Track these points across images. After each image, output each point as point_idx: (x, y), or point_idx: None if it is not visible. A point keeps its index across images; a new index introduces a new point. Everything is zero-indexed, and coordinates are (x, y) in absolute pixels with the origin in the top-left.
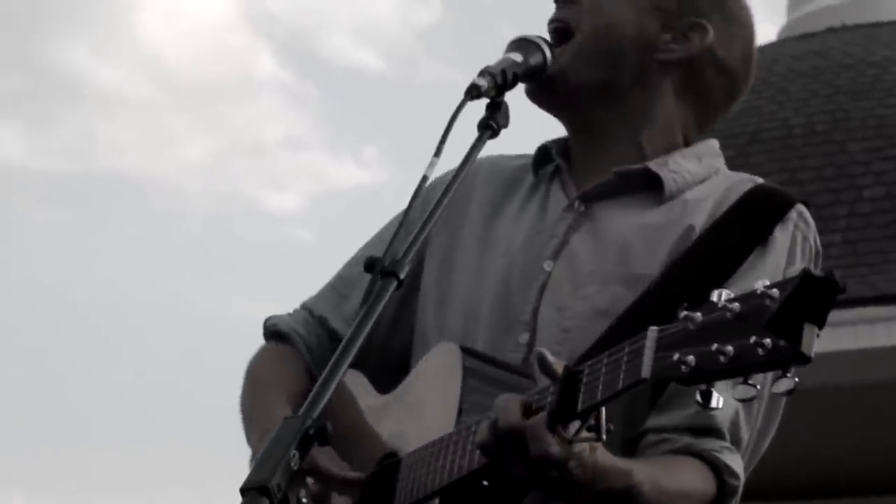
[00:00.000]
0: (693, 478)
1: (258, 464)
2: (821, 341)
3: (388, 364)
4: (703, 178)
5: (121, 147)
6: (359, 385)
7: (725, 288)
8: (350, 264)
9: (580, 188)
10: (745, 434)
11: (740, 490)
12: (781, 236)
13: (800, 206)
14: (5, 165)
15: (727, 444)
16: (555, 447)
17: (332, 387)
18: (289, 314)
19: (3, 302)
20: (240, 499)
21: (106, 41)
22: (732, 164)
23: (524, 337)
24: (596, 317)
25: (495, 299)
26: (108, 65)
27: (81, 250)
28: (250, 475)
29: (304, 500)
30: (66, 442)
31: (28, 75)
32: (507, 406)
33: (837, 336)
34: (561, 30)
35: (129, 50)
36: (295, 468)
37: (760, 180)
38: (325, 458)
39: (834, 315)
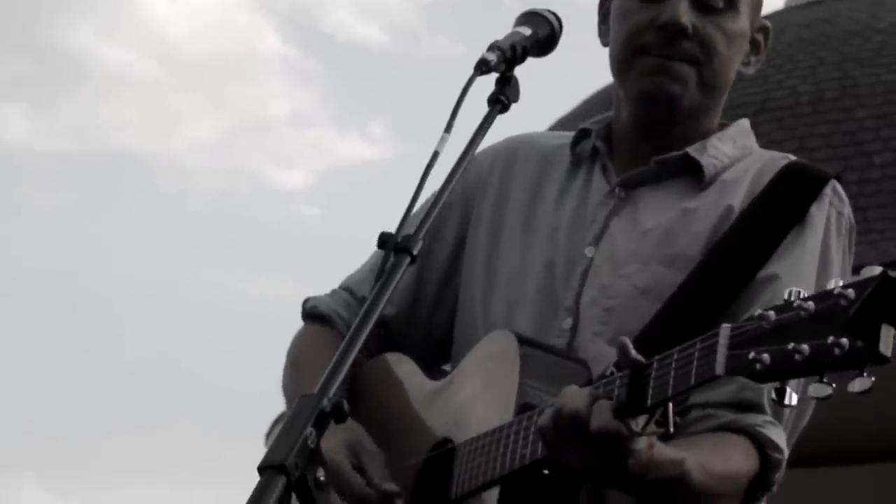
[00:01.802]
0: (738, 457)
1: (275, 443)
2: None
3: (429, 342)
4: (739, 158)
5: (126, 127)
6: (406, 369)
7: (767, 266)
8: None
9: (620, 174)
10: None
11: (784, 463)
12: (818, 214)
13: (833, 182)
14: (11, 147)
15: (769, 418)
16: (618, 425)
17: (348, 364)
18: (328, 295)
19: (9, 283)
20: (257, 478)
21: (110, 21)
22: None
23: (567, 322)
24: (638, 295)
25: (539, 284)
26: (113, 45)
27: (88, 230)
28: (267, 454)
29: (321, 478)
30: (75, 423)
31: (33, 57)
32: (574, 393)
33: None
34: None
35: (134, 30)
36: (312, 446)
37: (793, 157)
38: (373, 463)
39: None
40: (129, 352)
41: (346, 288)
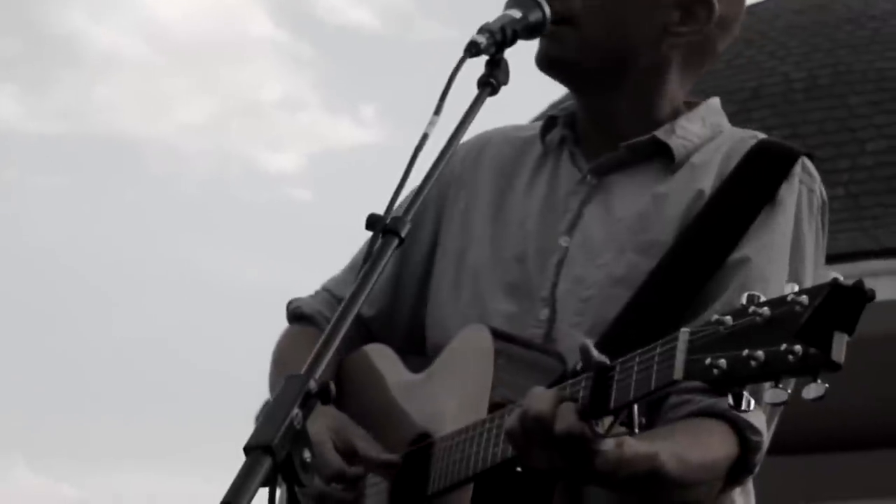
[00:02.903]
0: (716, 445)
1: (261, 424)
2: None
3: (411, 338)
4: (709, 138)
5: (118, 109)
6: (387, 360)
7: (738, 249)
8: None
9: (590, 160)
10: (765, 392)
11: (765, 446)
12: (788, 193)
13: (803, 160)
14: (2, 128)
15: None
16: (582, 427)
17: (334, 346)
18: (311, 296)
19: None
20: (243, 459)
21: (102, 3)
22: (734, 120)
23: (544, 313)
24: (613, 284)
25: (512, 275)
26: (105, 26)
27: (79, 213)
28: (253, 434)
29: (307, 459)
30: (65, 406)
31: (24, 37)
32: (539, 395)
33: None
34: (554, 34)
35: (126, 11)
36: (298, 427)
37: (762, 136)
38: (362, 441)
39: (838, 268)
40: (118, 335)
41: (326, 289)
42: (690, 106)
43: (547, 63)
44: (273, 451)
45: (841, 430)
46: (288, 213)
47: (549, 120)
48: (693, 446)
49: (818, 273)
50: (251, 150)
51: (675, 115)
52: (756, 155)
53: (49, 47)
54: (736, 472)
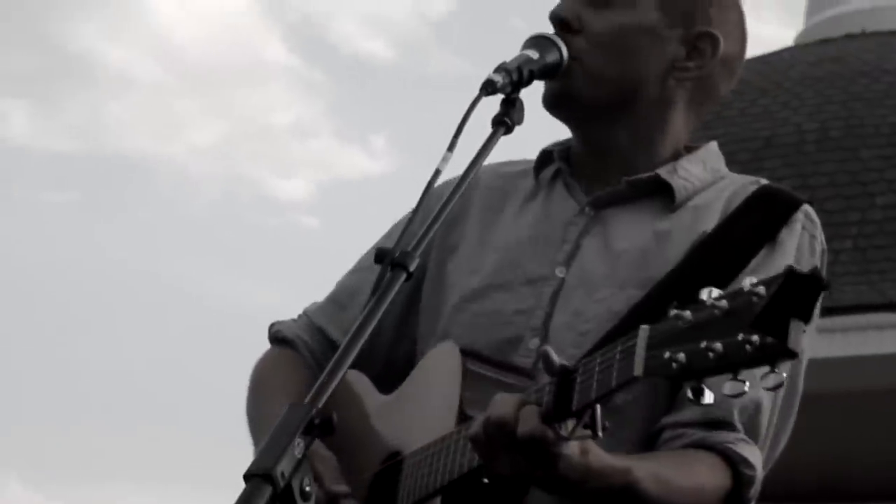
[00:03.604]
0: (705, 471)
1: (262, 451)
2: (830, 347)
3: (391, 376)
4: (710, 182)
5: (129, 129)
6: (362, 385)
7: (734, 284)
8: (351, 272)
9: (588, 192)
10: (762, 427)
11: (758, 481)
12: (789, 237)
13: (806, 207)
14: (12, 145)
15: (742, 435)
16: (543, 430)
17: (340, 376)
18: (293, 320)
19: (8, 283)
20: (243, 485)
21: (117, 23)
22: (746, 169)
23: (534, 342)
24: (612, 319)
25: (498, 303)
26: (119, 46)
27: (87, 231)
28: (254, 462)
29: (307, 487)
30: (68, 425)
31: (38, 54)
32: (502, 400)
33: (847, 342)
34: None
35: (140, 32)
36: (299, 456)
37: (765, 181)
38: (324, 467)
39: (844, 321)
40: (123, 355)
41: (307, 314)
42: (690, 150)
43: (555, 98)
44: (273, 480)
45: (846, 481)
46: (295, 240)
47: (544, 154)
48: (675, 469)
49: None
50: (261, 175)
51: (677, 156)
52: (759, 198)
53: (62, 65)
54: None
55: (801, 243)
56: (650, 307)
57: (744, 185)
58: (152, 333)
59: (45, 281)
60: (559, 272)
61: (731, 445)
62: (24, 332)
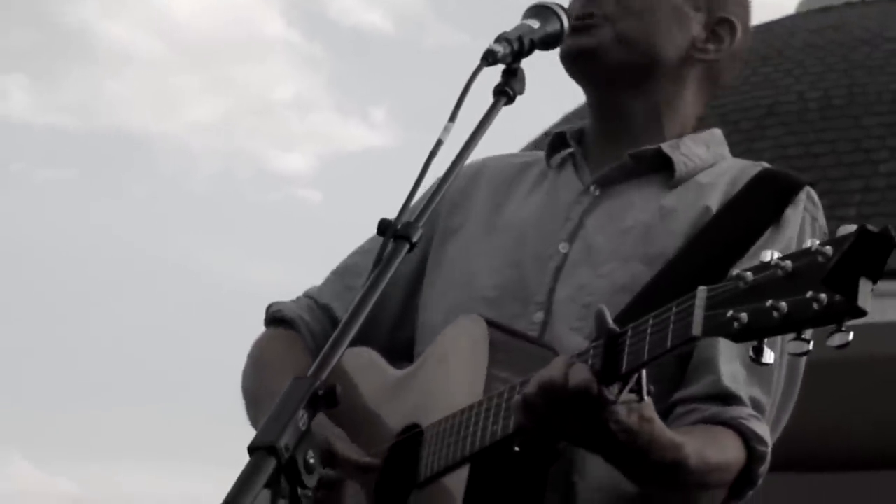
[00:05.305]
0: (729, 447)
1: (266, 424)
2: None
3: (395, 344)
4: (711, 163)
5: (128, 105)
6: (371, 361)
7: (740, 264)
8: (356, 253)
9: (595, 173)
10: (765, 404)
11: (768, 457)
12: (793, 216)
13: (808, 188)
14: (11, 121)
15: (752, 411)
16: (594, 382)
17: (343, 349)
18: (293, 301)
19: (7, 260)
20: (247, 458)
21: None
22: (749, 137)
23: (539, 316)
24: (616, 292)
25: (504, 279)
26: (118, 22)
27: (86, 207)
28: (258, 435)
29: (311, 460)
30: (70, 402)
31: (37, 30)
32: (554, 362)
33: None
34: (589, 26)
35: (139, 7)
36: (303, 428)
37: (767, 165)
38: (342, 443)
39: None
40: (122, 330)
41: (309, 296)
42: (695, 130)
43: (576, 53)
44: (277, 452)
45: (850, 449)
46: (297, 214)
47: (558, 137)
48: (713, 447)
49: None
50: (261, 150)
51: (682, 136)
52: (763, 179)
53: (61, 40)
54: (740, 483)
55: (803, 224)
56: (663, 284)
57: (746, 167)
58: (153, 309)
59: (44, 258)
60: (562, 248)
61: (744, 421)
62: (23, 309)
